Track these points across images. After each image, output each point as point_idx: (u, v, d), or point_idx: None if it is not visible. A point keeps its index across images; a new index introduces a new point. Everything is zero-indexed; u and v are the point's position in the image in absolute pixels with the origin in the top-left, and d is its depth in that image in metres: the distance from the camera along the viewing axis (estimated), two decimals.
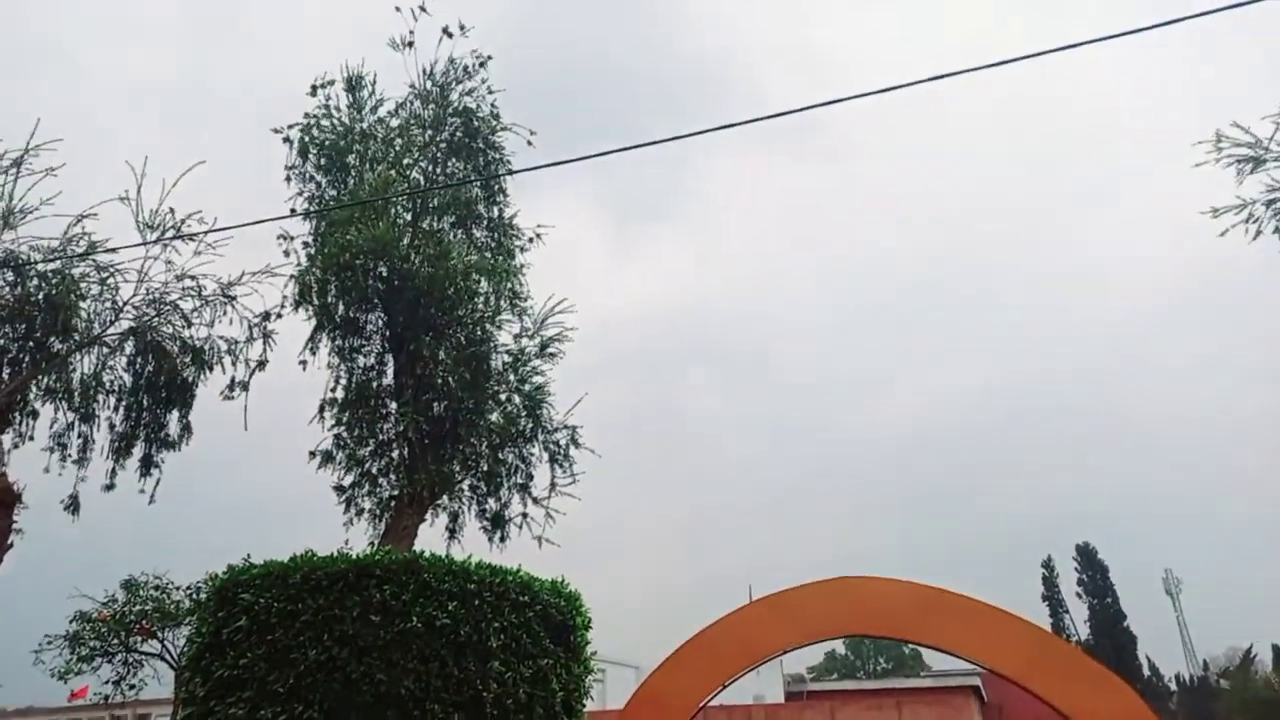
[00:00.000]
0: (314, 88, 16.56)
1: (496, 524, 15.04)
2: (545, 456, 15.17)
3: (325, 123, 16.27)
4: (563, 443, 15.15)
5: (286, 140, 16.26)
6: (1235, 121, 15.25)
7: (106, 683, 24.54)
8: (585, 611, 9.51)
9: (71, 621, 24.24)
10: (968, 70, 8.78)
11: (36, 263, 15.37)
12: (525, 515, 14.96)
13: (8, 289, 15.49)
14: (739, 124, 9.17)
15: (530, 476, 15.19)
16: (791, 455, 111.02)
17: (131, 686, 24.57)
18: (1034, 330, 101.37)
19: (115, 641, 24.23)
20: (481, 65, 16.74)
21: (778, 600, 11.35)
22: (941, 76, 8.87)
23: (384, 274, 14.10)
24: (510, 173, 16.26)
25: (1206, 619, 73.05)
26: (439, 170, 16.04)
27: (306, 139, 16.14)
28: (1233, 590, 69.16)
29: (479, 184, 15.97)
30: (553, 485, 14.96)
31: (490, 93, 16.84)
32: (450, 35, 16.30)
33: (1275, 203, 15.36)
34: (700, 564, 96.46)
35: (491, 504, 15.17)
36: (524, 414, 14.99)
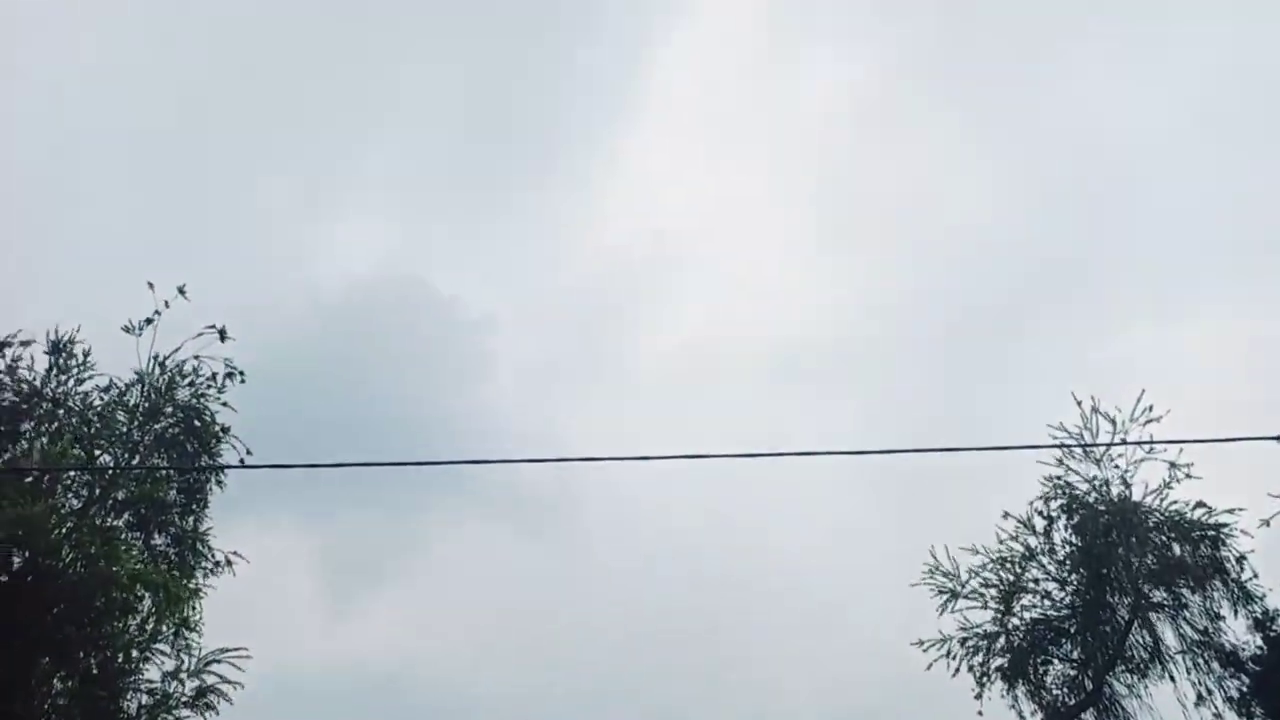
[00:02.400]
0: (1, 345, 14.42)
1: None
2: None
3: (6, 381, 13.98)
4: None
5: None
6: (938, 548, 16.44)
7: None
8: None
9: None
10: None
11: None
12: None
13: None
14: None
15: None
16: None
17: None
18: None
19: None
20: (229, 377, 15.29)
21: None
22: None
23: (19, 566, 11.28)
24: (205, 469, 14.30)
25: None
26: (132, 457, 13.88)
27: None
28: None
29: (177, 486, 13.94)
30: None
31: (224, 404, 15.33)
32: (223, 339, 14.92)
33: (968, 640, 16.12)
34: None
35: None
36: None
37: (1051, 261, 39.89)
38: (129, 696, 11.88)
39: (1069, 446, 15.93)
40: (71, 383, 14.69)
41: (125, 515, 13.51)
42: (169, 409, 14.81)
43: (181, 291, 14.83)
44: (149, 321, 14.68)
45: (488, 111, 44.28)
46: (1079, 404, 15.90)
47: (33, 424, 13.56)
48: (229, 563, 14.46)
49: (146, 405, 14.64)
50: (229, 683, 12.85)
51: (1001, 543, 16.17)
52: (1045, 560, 16.20)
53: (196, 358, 15.11)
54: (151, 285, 14.70)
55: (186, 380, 15.16)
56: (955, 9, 44.08)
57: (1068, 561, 16.09)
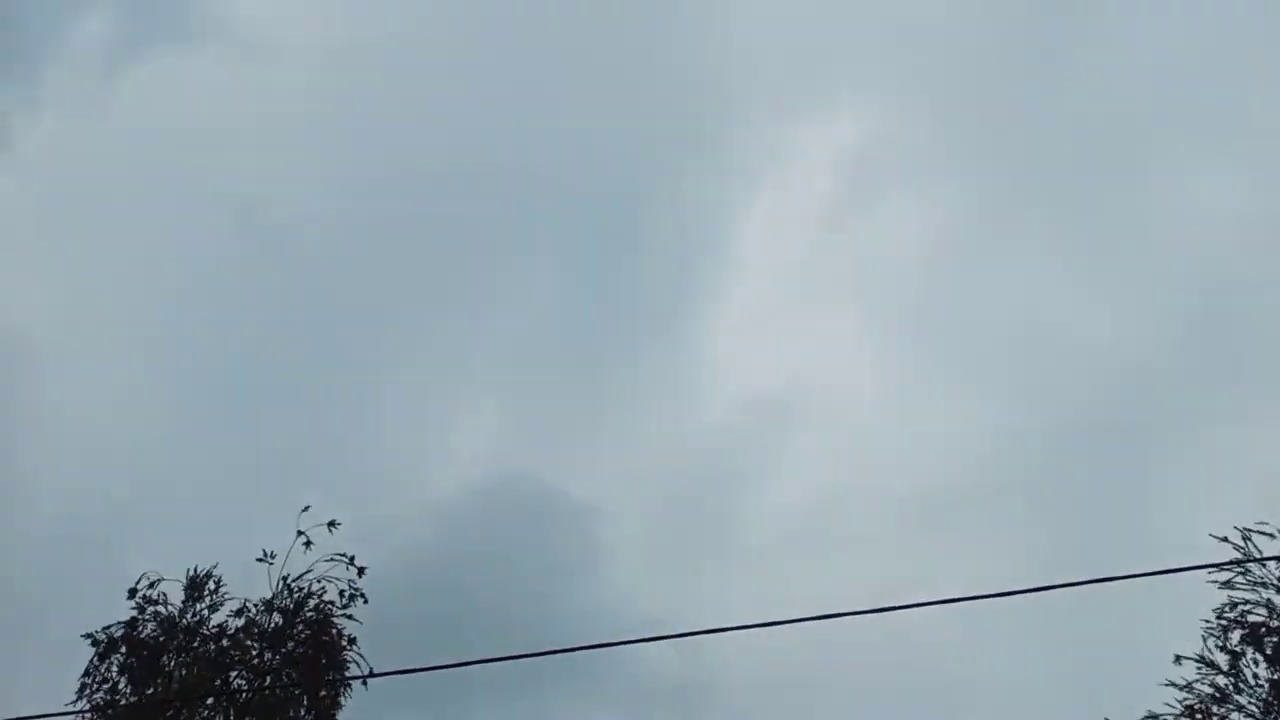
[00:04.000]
0: (132, 590, 15.23)
1: None
2: None
3: (148, 617, 14.69)
4: None
5: (95, 643, 14.61)
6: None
7: None
8: None
9: None
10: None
11: None
12: None
13: None
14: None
15: None
16: None
17: None
18: None
19: None
20: (352, 600, 15.79)
21: None
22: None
23: None
24: (334, 681, 14.26)
25: None
26: (263, 680, 14.06)
27: (117, 637, 14.56)
28: None
29: (305, 705, 13.97)
30: None
31: (349, 616, 15.69)
32: (353, 568, 15.61)
33: None
34: None
35: None
36: None
37: (1186, 371, 38.03)
38: None
39: (1254, 561, 14.46)
40: (206, 611, 15.31)
41: None
42: (298, 628, 15.22)
43: (332, 526, 15.67)
44: (306, 544, 15.46)
45: (578, 299, 45.90)
46: (1238, 529, 14.59)
47: (171, 655, 13.99)
48: None
49: (274, 629, 15.12)
50: None
51: (1184, 688, 14.55)
52: (1243, 699, 14.43)
53: (322, 580, 15.70)
54: (307, 507, 15.75)
55: (313, 602, 15.66)
56: (1042, 133, 44.35)
57: (1273, 700, 14.29)
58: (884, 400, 45.58)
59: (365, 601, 15.67)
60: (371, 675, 14.78)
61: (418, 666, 6.02)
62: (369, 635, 15.68)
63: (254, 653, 14.58)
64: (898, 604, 6.34)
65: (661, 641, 6.67)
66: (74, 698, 14.13)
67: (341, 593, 15.61)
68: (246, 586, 15.90)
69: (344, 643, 15.31)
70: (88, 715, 13.94)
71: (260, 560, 15.66)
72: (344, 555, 15.66)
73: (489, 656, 6.05)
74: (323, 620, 15.31)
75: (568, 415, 42.92)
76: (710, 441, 43.81)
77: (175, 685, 12.98)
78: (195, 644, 14.42)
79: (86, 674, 14.43)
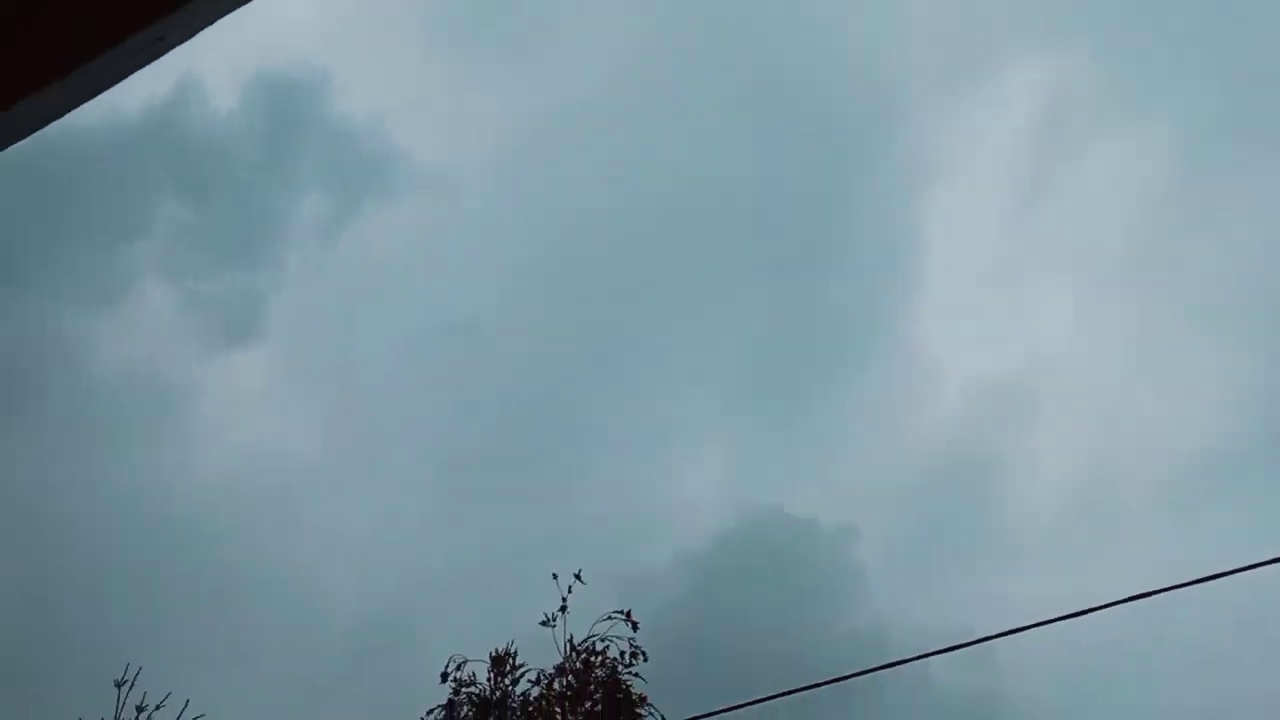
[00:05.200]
0: (444, 675, 16.90)
1: None
2: None
3: (463, 699, 16.31)
4: None
5: None
6: None
7: None
8: None
9: None
10: None
11: None
12: None
13: None
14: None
15: None
16: None
17: None
18: None
19: None
20: (634, 657, 16.84)
21: None
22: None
23: None
24: None
25: None
26: None
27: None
28: None
29: None
30: None
31: (635, 674, 16.76)
32: (629, 623, 16.73)
33: None
34: None
35: None
36: None
37: None
38: None
39: None
40: (509, 684, 16.85)
41: None
42: (591, 688, 16.42)
43: (578, 577, 16.76)
44: (562, 609, 16.69)
45: (781, 324, 45.87)
46: None
47: None
48: None
49: (570, 692, 16.36)
50: None
51: None
52: None
53: (604, 639, 16.88)
54: (555, 576, 16.92)
55: (599, 661, 16.88)
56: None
57: None
58: (1131, 364, 42.37)
59: (646, 659, 16.55)
60: None
61: (722, 707, 6.65)
62: (652, 693, 16.69)
63: (559, 716, 15.84)
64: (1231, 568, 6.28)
65: (946, 654, 6.92)
66: None
67: (622, 653, 16.76)
68: (528, 655, 17.43)
69: (635, 698, 16.36)
70: None
71: (543, 624, 16.82)
72: (620, 612, 16.77)
73: (775, 692, 6.59)
74: (612, 679, 16.45)
75: (795, 442, 42.91)
76: (949, 439, 42.39)
77: None
78: (507, 716, 15.82)
79: None
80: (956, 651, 6.45)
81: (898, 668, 6.81)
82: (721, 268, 44.85)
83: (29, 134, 2.10)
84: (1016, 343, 46.41)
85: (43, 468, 28.62)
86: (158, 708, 14.00)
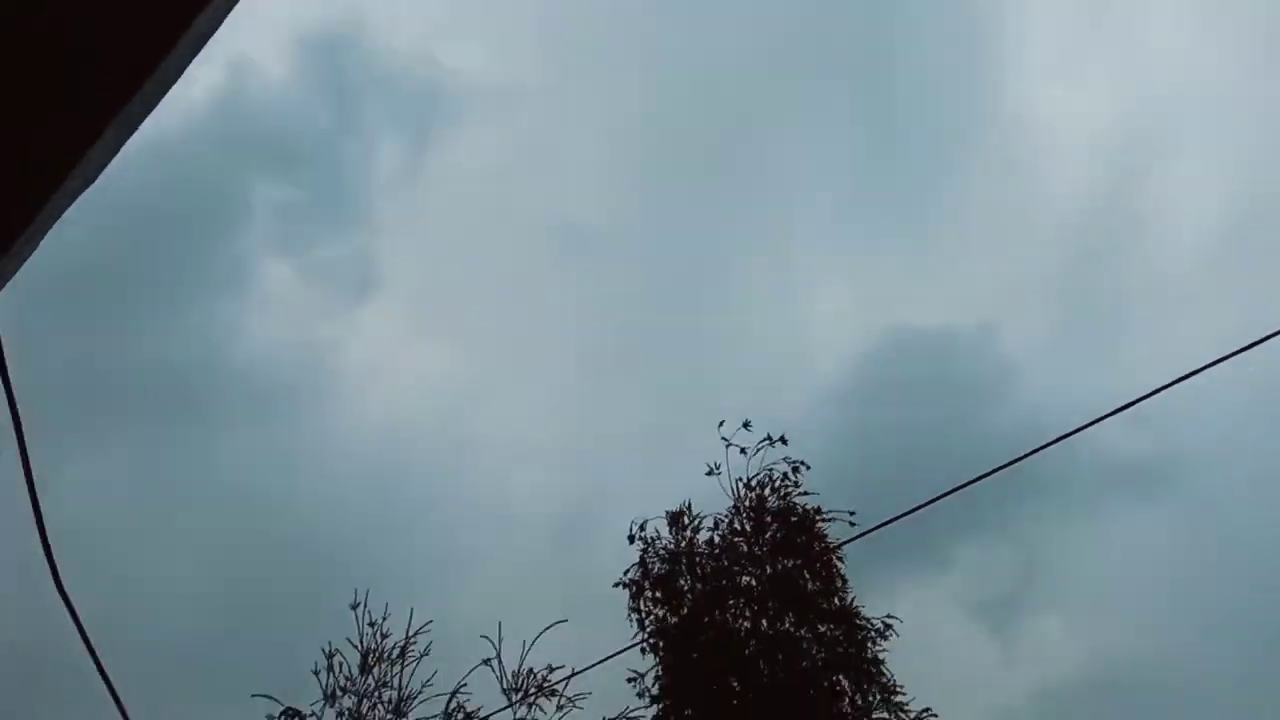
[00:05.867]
0: (630, 537, 17.69)
1: None
2: None
3: (652, 555, 17.12)
4: None
5: (625, 587, 17.26)
6: None
7: None
8: None
9: None
10: None
11: None
12: None
13: None
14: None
15: None
16: None
17: None
18: None
19: None
20: (796, 470, 17.26)
21: None
22: None
23: (735, 687, 13.50)
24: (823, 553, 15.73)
25: None
26: (770, 570, 15.94)
27: (640, 578, 17.09)
28: None
29: (815, 578, 15.64)
30: None
31: (804, 494, 17.17)
32: (773, 443, 17.19)
33: None
34: None
35: None
36: None
37: None
38: None
39: None
40: (690, 534, 17.62)
41: (786, 617, 15.42)
42: (767, 518, 16.99)
43: (746, 426, 17.28)
44: (736, 449, 17.22)
45: (878, 132, 43.57)
46: None
47: (684, 578, 16.29)
48: (887, 626, 15.71)
49: (750, 527, 16.97)
50: None
51: None
52: None
53: (767, 469, 17.33)
54: (721, 423, 17.42)
55: (768, 490, 17.35)
56: None
57: None
58: (1273, 73, 38.38)
59: (808, 468, 17.05)
60: (852, 540, 16.13)
61: (902, 511, 6.72)
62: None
63: (743, 550, 16.49)
64: None
65: (1108, 422, 6.76)
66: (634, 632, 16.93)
67: (784, 474, 17.19)
68: (707, 506, 18.11)
69: (810, 512, 16.87)
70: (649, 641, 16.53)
71: (709, 474, 17.39)
72: (770, 436, 17.14)
73: (951, 487, 6.62)
74: (787, 506, 16.96)
75: (911, 251, 41.32)
76: (1074, 206, 40.02)
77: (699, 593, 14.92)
78: (695, 563, 16.59)
79: (631, 608, 16.75)
80: (1121, 415, 6.24)
81: (1070, 440, 6.68)
82: (806, 86, 42.53)
83: (119, 149, 2.22)
84: (1133, 84, 42.70)
85: (233, 451, 30.92)
86: (384, 619, 15.29)
